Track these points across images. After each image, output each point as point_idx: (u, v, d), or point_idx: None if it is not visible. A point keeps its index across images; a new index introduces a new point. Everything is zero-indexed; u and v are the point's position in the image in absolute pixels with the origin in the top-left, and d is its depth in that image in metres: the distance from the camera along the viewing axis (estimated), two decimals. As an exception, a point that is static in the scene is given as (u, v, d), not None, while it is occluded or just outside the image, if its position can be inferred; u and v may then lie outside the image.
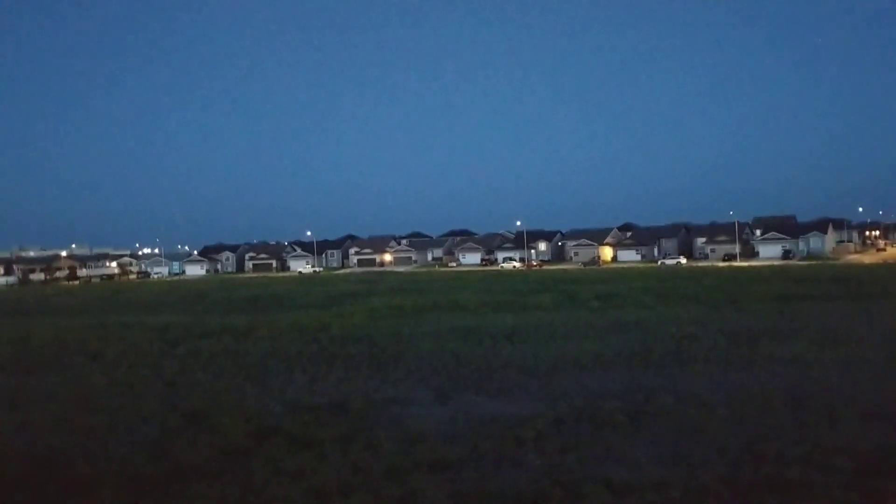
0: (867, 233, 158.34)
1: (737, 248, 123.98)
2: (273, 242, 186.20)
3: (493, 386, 16.33)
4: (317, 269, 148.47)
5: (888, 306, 31.94)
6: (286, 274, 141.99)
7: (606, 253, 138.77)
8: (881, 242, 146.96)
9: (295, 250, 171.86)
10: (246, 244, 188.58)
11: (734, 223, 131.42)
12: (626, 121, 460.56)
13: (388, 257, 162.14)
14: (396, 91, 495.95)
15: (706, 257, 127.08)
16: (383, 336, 26.45)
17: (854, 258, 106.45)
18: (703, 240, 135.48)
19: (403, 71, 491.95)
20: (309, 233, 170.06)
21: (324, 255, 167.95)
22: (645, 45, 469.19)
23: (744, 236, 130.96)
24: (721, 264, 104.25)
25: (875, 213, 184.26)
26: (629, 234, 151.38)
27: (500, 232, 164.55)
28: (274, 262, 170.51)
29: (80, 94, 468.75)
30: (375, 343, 24.52)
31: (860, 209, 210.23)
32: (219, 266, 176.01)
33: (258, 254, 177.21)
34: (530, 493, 8.97)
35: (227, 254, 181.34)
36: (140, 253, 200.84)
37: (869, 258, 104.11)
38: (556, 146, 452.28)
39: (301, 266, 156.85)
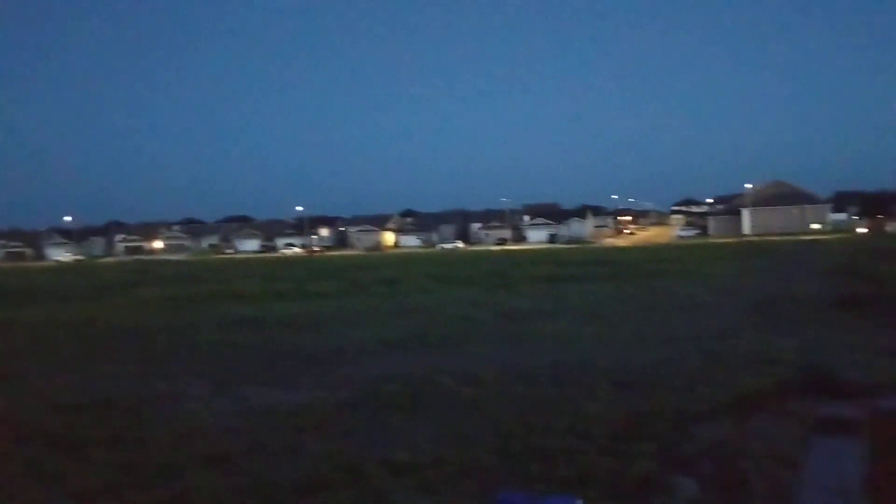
0: (620, 218, 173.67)
1: (508, 233, 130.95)
2: (28, 229, 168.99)
3: (274, 376, 16.05)
4: (79, 258, 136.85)
5: (638, 285, 35.28)
6: (44, 263, 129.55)
7: (389, 238, 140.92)
8: (631, 227, 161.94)
9: (53, 238, 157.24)
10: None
11: (506, 210, 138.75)
12: (409, 110, 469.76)
13: (159, 244, 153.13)
14: (170, 67, 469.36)
15: (481, 241, 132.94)
16: (155, 328, 25.02)
17: (610, 241, 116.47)
18: (479, 225, 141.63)
19: (173, 41, 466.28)
20: (69, 218, 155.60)
21: (86, 243, 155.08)
22: (455, 36, 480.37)
23: (514, 222, 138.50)
24: (495, 248, 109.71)
25: (626, 201, 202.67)
26: (410, 219, 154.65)
27: (281, 218, 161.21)
28: (30, 251, 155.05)
29: None
30: (147, 336, 23.14)
31: (614, 197, 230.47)
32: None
33: (10, 242, 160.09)
34: (312, 480, 8.93)
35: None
36: None
37: (622, 241, 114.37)
38: (338, 133, 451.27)
39: (61, 255, 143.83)
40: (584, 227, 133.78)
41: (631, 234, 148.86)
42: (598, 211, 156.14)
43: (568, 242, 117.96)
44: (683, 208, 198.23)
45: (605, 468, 8.83)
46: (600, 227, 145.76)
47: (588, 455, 9.36)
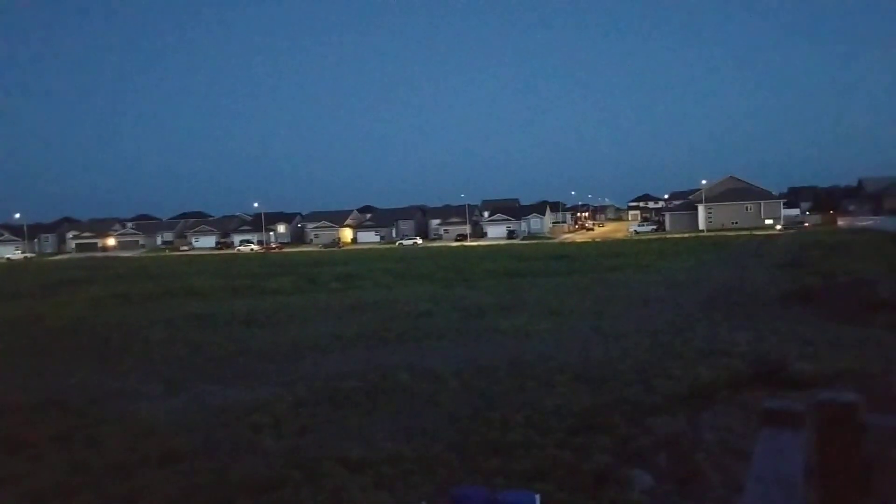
0: (578, 214, 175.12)
1: (468, 229, 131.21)
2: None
3: (230, 373, 15.84)
4: (28, 256, 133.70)
5: (594, 279, 35.60)
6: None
7: (347, 235, 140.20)
8: (589, 223, 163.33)
9: (3, 235, 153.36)
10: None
11: (465, 206, 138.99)
12: (367, 105, 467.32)
13: (111, 241, 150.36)
14: (124, 57, 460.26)
15: (440, 238, 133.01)
16: (107, 326, 24.52)
17: (568, 237, 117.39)
18: (438, 221, 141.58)
19: (131, 31, 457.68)
20: (17, 215, 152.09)
21: (37, 240, 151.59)
22: (417, 32, 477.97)
23: (474, 218, 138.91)
24: (454, 244, 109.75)
25: (585, 197, 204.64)
26: (369, 216, 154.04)
27: (237, 214, 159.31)
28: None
29: None
30: (98, 334, 22.66)
31: (573, 193, 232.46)
32: None
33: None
34: (268, 478, 8.82)
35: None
36: None
37: (580, 237, 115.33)
38: (296, 129, 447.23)
39: (10, 252, 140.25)
40: (543, 223, 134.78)
41: (589, 229, 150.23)
42: (556, 207, 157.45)
43: (527, 238, 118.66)
44: (640, 204, 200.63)
45: (563, 462, 8.88)
46: (559, 222, 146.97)
47: (545, 449, 9.40)
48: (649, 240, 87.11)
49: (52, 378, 15.93)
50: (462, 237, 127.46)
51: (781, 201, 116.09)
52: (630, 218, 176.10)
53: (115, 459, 9.71)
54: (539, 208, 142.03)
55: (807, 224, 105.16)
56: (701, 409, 10.63)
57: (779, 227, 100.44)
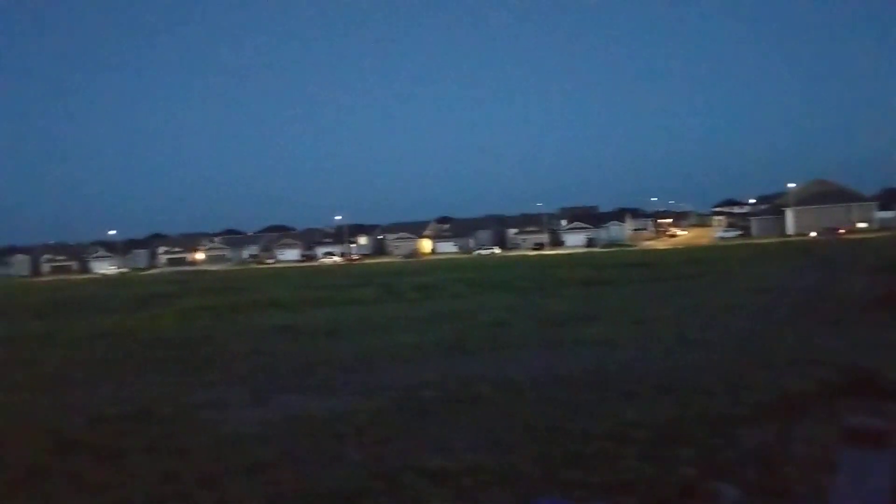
0: (659, 220, 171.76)
1: (545, 238, 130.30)
2: (73, 243, 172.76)
3: (312, 383, 16.11)
4: (122, 271, 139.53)
5: (679, 287, 34.83)
6: (88, 276, 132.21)
7: (425, 245, 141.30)
8: (672, 229, 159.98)
9: (98, 251, 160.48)
10: (42, 245, 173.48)
11: (542, 214, 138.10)
12: (442, 115, 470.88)
13: (200, 256, 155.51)
14: (208, 79, 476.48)
15: (518, 247, 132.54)
16: (195, 338, 25.34)
17: (649, 244, 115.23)
18: (515, 230, 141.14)
19: (202, 69, 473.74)
20: (113, 232, 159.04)
21: (130, 256, 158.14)
22: (454, 40, 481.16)
23: (551, 226, 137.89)
24: (531, 253, 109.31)
25: (666, 203, 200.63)
26: (447, 226, 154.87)
27: (320, 227, 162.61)
28: (74, 264, 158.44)
29: None
30: (187, 346, 23.43)
31: (654, 199, 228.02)
32: (11, 270, 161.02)
33: (56, 255, 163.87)
34: (350, 488, 8.91)
35: (21, 256, 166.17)
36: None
37: (662, 244, 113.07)
38: (372, 140, 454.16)
39: (105, 268, 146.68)
40: (623, 230, 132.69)
41: (671, 236, 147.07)
42: (636, 213, 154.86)
43: (606, 246, 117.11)
44: (725, 209, 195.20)
45: (645, 474, 8.68)
46: (639, 229, 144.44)
47: (627, 461, 9.21)
48: (735, 246, 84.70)
49: (142, 389, 16.54)
50: (539, 246, 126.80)
51: (874, 203, 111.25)
52: (714, 224, 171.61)
53: (202, 469, 9.98)
54: (618, 215, 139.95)
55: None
56: (790, 420, 10.24)
57: (872, 230, 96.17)
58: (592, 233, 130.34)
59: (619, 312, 25.66)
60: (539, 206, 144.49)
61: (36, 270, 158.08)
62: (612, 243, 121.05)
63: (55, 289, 79.18)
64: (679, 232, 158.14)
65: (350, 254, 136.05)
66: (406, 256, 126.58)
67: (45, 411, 14.62)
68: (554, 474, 8.99)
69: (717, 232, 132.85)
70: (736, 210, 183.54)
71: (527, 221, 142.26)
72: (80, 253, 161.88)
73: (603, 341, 19.36)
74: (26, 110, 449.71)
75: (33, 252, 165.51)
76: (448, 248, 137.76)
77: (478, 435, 11.01)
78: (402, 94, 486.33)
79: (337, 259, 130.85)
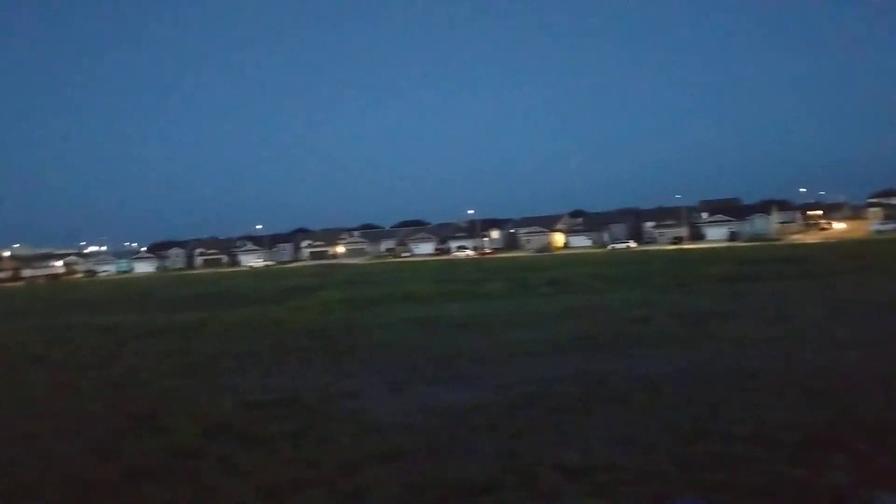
0: (809, 213, 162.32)
1: (684, 232, 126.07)
2: (223, 237, 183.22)
3: (446, 375, 16.34)
4: (268, 263, 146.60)
5: (830, 284, 32.81)
6: (237, 269, 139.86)
7: (558, 239, 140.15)
8: (823, 222, 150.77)
9: (246, 245, 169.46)
10: (195, 239, 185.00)
11: (681, 207, 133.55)
12: (575, 108, 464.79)
13: (340, 249, 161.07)
14: (345, 80, 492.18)
15: (655, 241, 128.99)
16: (336, 329, 26.28)
17: (798, 238, 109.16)
18: (652, 224, 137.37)
19: (349, 59, 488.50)
20: (259, 226, 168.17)
21: (275, 249, 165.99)
22: (591, 33, 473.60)
23: (690, 219, 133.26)
24: (669, 247, 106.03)
25: (817, 194, 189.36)
26: (580, 220, 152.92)
27: (453, 221, 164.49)
28: (224, 258, 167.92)
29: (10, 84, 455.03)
30: (328, 336, 24.34)
31: (802, 190, 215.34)
32: (168, 263, 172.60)
33: (208, 249, 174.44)
34: (483, 480, 8.98)
35: (177, 250, 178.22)
36: (86, 251, 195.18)
37: (812, 238, 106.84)
38: (506, 134, 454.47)
39: (252, 261, 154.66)
40: (768, 224, 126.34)
41: (821, 229, 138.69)
42: (783, 205, 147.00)
43: (750, 240, 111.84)
44: (882, 200, 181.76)
45: (794, 480, 8.26)
46: (786, 222, 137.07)
47: (773, 465, 8.79)
48: (893, 240, 78.85)
49: (287, 378, 17.31)
50: (678, 240, 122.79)
51: None
52: (870, 216, 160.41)
53: (343, 456, 10.32)
54: (763, 207, 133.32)
55: None
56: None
57: None
58: (735, 226, 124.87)
59: (764, 310, 24.47)
60: (677, 199, 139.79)
61: (190, 263, 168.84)
62: (756, 237, 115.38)
63: (206, 281, 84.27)
64: (831, 225, 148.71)
65: (482, 248, 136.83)
66: (538, 250, 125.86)
67: (197, 396, 15.57)
68: (694, 476, 8.70)
69: (872, 225, 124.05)
70: (894, 201, 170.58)
71: (664, 214, 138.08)
72: (230, 246, 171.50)
73: (747, 340, 18.52)
74: (176, 115, 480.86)
75: (187, 246, 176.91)
76: (581, 242, 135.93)
77: (614, 432, 10.80)
78: (534, 89, 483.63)
79: (469, 253, 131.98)
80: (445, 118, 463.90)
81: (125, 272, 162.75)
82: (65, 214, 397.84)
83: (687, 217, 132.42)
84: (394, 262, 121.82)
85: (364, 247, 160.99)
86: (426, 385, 15.45)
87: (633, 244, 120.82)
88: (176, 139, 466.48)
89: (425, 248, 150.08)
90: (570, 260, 79.66)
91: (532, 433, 11.06)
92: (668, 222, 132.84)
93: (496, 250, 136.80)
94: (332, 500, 8.72)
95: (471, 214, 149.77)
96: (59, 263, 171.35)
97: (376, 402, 13.97)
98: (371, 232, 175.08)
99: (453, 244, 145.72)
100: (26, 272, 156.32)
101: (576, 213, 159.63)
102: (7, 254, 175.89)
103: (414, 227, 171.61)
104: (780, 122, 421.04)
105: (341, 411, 13.34)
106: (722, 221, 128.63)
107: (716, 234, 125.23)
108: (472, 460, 9.86)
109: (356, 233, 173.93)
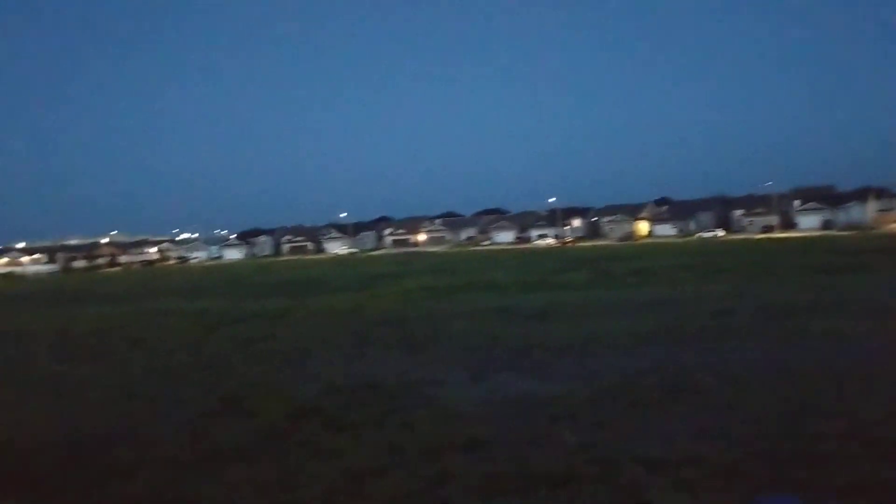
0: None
1: (775, 220, 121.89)
2: (309, 225, 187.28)
3: (526, 365, 16.32)
4: (352, 251, 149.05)
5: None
6: (322, 256, 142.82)
7: (642, 228, 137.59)
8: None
9: (330, 232, 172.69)
10: (282, 227, 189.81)
11: (772, 194, 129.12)
12: (658, 93, 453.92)
13: (421, 237, 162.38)
14: (421, 72, 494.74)
15: (744, 230, 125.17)
16: (416, 317, 26.57)
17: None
18: (741, 212, 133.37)
19: (422, 51, 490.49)
20: (344, 215, 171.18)
21: (359, 237, 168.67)
22: (672, 11, 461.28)
23: (782, 207, 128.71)
24: (759, 236, 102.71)
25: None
26: (665, 208, 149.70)
27: (534, 210, 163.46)
28: (310, 245, 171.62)
29: (102, 81, 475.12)
30: (409, 324, 24.63)
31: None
32: (256, 250, 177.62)
33: (294, 237, 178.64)
34: (564, 471, 8.96)
35: (265, 237, 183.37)
36: (178, 238, 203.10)
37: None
38: (587, 121, 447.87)
39: (336, 248, 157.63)
40: (865, 212, 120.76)
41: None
42: (882, 193, 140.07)
43: (845, 229, 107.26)
44: None
45: (889, 479, 7.95)
46: (885, 210, 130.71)
47: (866, 463, 8.48)
48: None
49: (369, 364, 17.62)
50: (768, 228, 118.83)
51: None
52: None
53: (424, 443, 10.47)
54: (860, 195, 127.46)
55: None
56: None
57: None
58: (829, 214, 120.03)
59: (860, 303, 23.47)
60: (768, 186, 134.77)
61: (277, 250, 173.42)
62: (852, 226, 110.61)
63: (292, 267, 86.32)
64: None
65: (564, 237, 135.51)
66: (621, 239, 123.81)
67: (283, 381, 16.04)
68: (781, 472, 8.48)
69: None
70: None
71: (754, 202, 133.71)
72: (315, 234, 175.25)
73: (841, 335, 17.82)
74: (267, 107, 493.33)
75: (274, 234, 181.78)
76: (666, 230, 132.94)
77: (699, 426, 10.60)
78: (621, 73, 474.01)
79: (550, 241, 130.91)
80: (526, 106, 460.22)
81: (215, 259, 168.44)
82: (160, 203, 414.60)
83: (778, 205, 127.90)
84: (474, 250, 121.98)
85: (445, 235, 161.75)
86: (505, 374, 15.47)
87: (721, 233, 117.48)
88: (267, 130, 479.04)
89: (505, 237, 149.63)
90: (654, 249, 78.14)
91: (612, 425, 10.96)
92: (758, 210, 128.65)
93: (578, 239, 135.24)
94: (415, 485, 8.87)
95: (552, 202, 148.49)
96: (154, 250, 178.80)
97: (457, 391, 14.08)
98: (452, 220, 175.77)
99: (534, 233, 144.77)
100: (123, 258, 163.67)
101: (661, 201, 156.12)
102: (105, 240, 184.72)
103: (494, 216, 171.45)
104: (879, 105, 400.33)
105: (423, 398, 13.51)
106: (815, 209, 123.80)
107: (808, 223, 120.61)
108: (551, 451, 9.85)
109: (437, 221, 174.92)
